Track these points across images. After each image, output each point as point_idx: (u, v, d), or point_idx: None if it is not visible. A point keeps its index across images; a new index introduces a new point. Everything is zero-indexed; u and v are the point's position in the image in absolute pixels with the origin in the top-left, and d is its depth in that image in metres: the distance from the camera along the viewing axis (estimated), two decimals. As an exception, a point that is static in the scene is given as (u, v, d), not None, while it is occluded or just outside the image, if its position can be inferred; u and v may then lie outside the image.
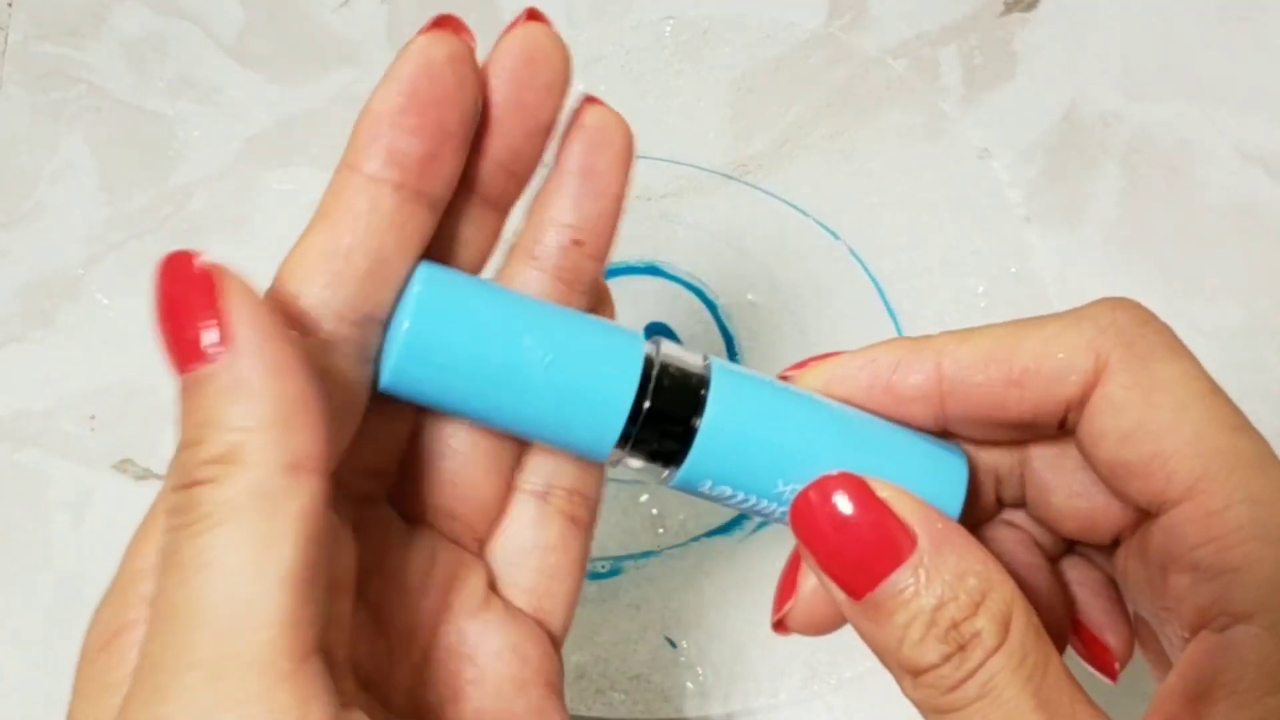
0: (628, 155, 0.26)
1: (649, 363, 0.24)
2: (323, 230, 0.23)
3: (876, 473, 0.23)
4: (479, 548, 0.26)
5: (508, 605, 0.26)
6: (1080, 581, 0.28)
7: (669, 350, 0.25)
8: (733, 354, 0.47)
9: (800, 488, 0.23)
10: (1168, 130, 0.49)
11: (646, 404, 0.23)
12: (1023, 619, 0.22)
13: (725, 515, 0.45)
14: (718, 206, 0.48)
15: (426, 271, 0.23)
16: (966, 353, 0.25)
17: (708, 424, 0.23)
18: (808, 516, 0.23)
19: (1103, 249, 0.47)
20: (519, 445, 0.26)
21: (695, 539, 0.45)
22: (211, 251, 0.46)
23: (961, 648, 0.22)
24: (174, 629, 0.19)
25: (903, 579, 0.22)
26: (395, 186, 0.23)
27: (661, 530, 0.45)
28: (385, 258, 0.23)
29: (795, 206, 0.48)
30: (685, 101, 0.50)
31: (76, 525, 0.45)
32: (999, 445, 0.26)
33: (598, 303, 0.27)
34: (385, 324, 0.23)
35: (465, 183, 0.25)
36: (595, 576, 0.44)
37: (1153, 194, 0.48)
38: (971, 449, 0.27)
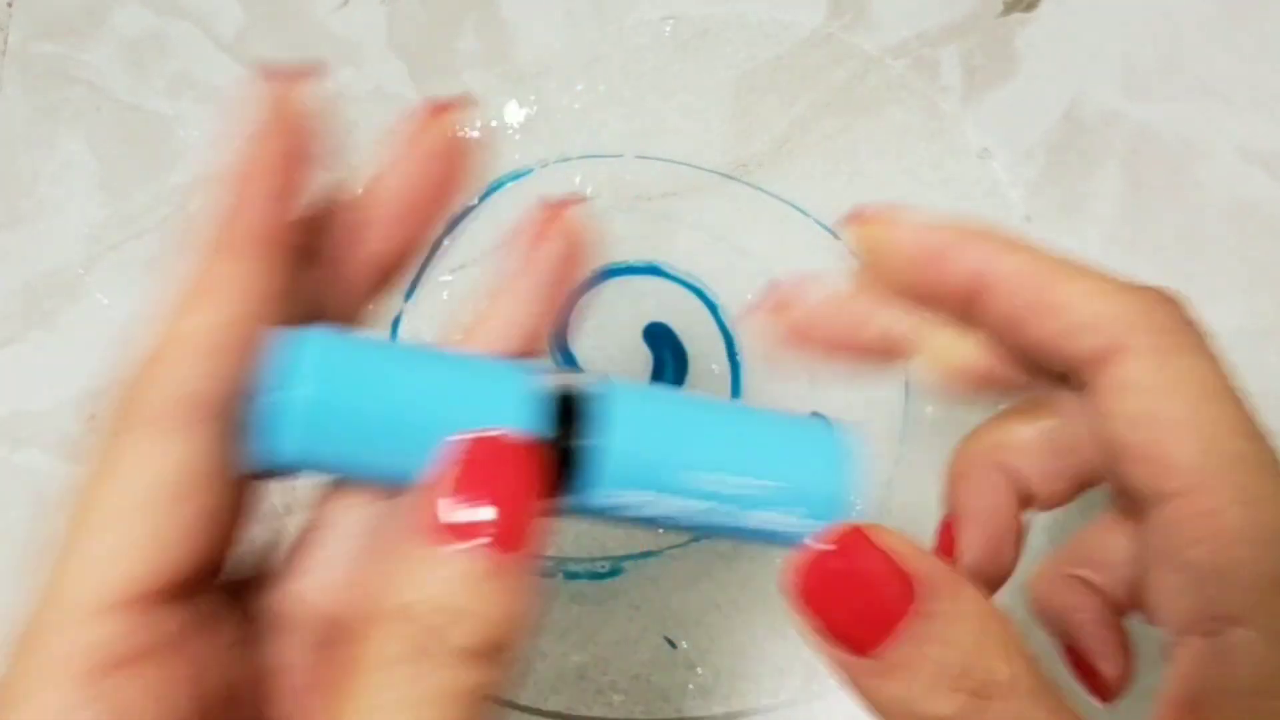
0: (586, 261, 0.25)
1: (545, 395, 0.23)
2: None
3: (774, 464, 0.23)
4: None
5: None
6: (1078, 607, 0.28)
7: (560, 379, 0.24)
8: (732, 354, 0.47)
9: (704, 479, 0.23)
10: (1169, 130, 0.49)
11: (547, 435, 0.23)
12: (1027, 653, 0.22)
13: (725, 515, 0.45)
14: (718, 206, 0.48)
15: (314, 334, 0.21)
16: (1011, 263, 0.25)
17: (606, 438, 0.23)
18: (807, 573, 0.22)
19: (1103, 249, 0.47)
20: None
21: (695, 539, 0.45)
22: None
23: (975, 694, 0.21)
24: None
25: (912, 628, 0.21)
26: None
27: (661, 530, 0.45)
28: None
29: (796, 206, 0.48)
30: (685, 101, 0.50)
31: (76, 525, 0.45)
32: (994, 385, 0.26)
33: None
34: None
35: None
36: (595, 576, 0.44)
37: (1154, 194, 0.48)
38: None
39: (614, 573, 0.44)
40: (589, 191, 0.49)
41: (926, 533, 0.44)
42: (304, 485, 0.24)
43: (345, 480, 0.23)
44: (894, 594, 0.21)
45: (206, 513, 0.20)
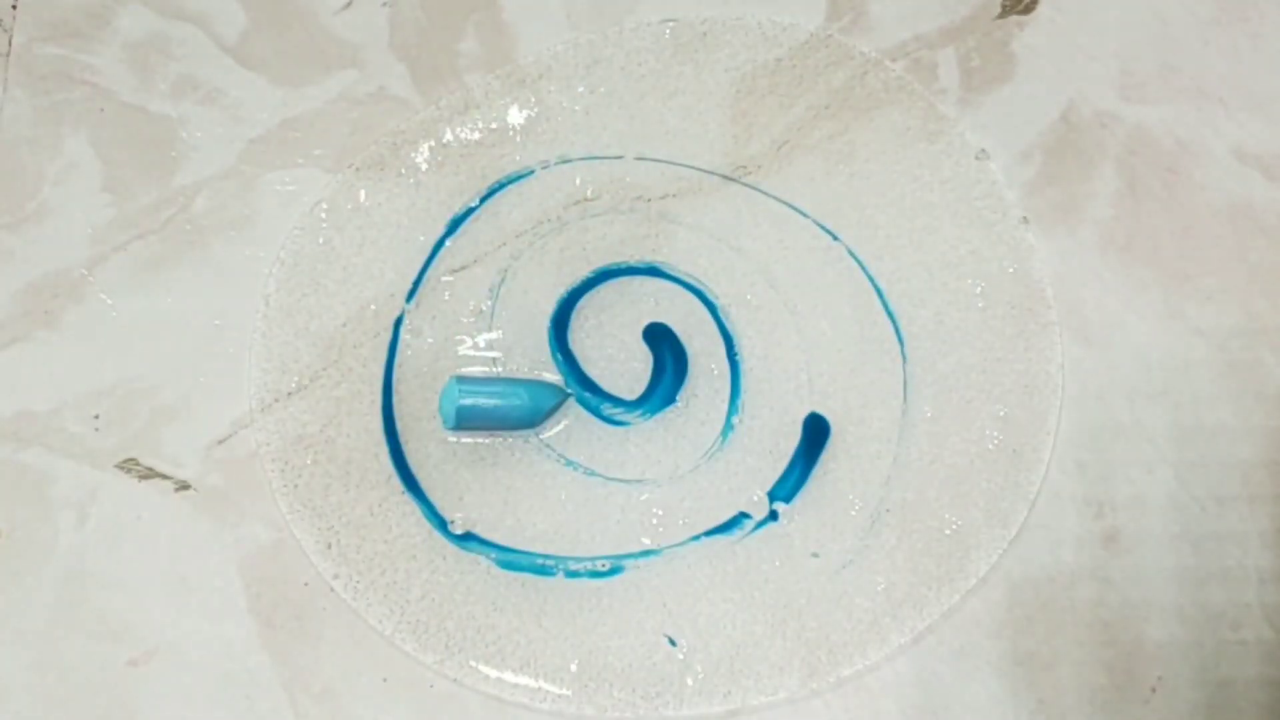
0: None
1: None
2: None
3: None
4: None
5: None
6: None
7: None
8: (732, 354, 0.47)
9: None
10: (1165, 131, 0.49)
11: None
12: None
13: (725, 515, 0.45)
14: (717, 207, 0.49)
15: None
16: None
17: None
18: None
19: (1100, 249, 0.47)
20: None
21: (695, 538, 0.45)
22: (213, 251, 0.47)
23: None
24: None
25: None
26: None
27: (661, 529, 0.45)
28: None
29: (794, 207, 0.49)
30: (685, 103, 0.50)
31: (81, 524, 0.45)
32: None
33: None
34: None
35: None
36: (595, 575, 0.44)
37: (1150, 195, 0.48)
38: None
39: (614, 572, 0.45)
40: (589, 192, 0.49)
41: (926, 532, 0.44)
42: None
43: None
44: None
45: None
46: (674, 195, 0.49)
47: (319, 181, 0.49)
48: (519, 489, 0.46)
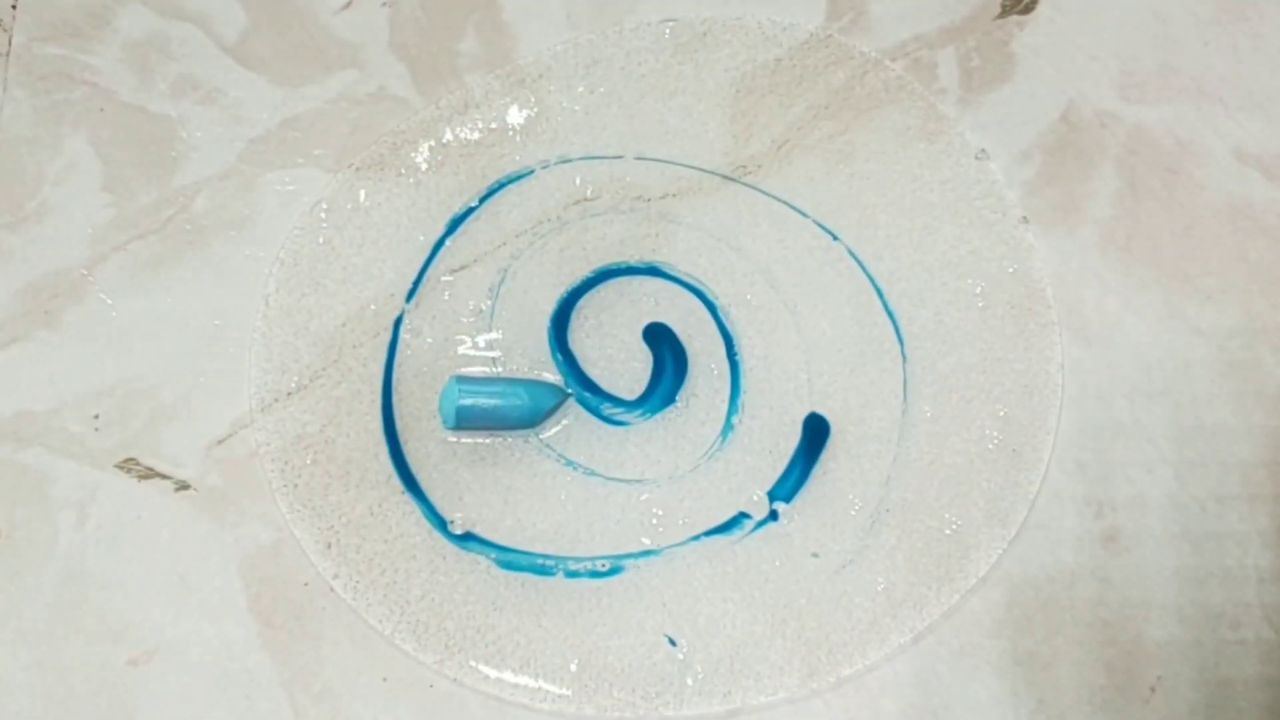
0: None
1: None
2: None
3: None
4: None
5: None
6: None
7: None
8: (732, 354, 0.47)
9: None
10: (1165, 131, 0.49)
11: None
12: None
13: (725, 515, 0.45)
14: (717, 207, 0.49)
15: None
16: None
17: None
18: None
19: (1100, 249, 0.47)
20: None
21: (695, 538, 0.45)
22: (213, 251, 0.47)
23: None
24: None
25: None
26: None
27: (661, 529, 0.45)
28: None
29: (794, 207, 0.49)
30: (685, 103, 0.50)
31: (81, 524, 0.45)
32: None
33: None
34: None
35: None
36: (595, 575, 0.44)
37: (1150, 195, 0.48)
38: None
39: (614, 572, 0.45)
40: (589, 192, 0.49)
41: (926, 532, 0.44)
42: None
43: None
44: None
45: None
46: (674, 195, 0.49)
47: (319, 181, 0.49)
48: (519, 489, 0.46)
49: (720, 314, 0.47)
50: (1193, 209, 0.48)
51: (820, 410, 0.46)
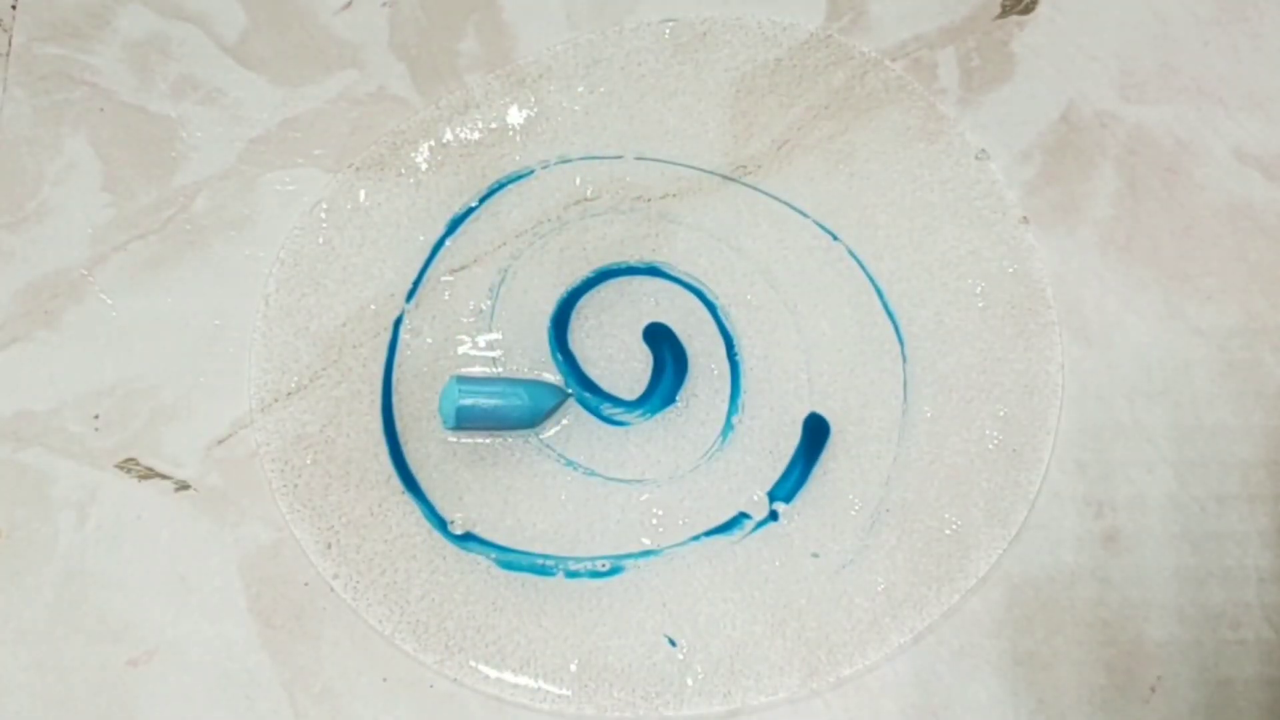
0: None
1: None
2: None
3: None
4: None
5: None
6: None
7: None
8: (732, 354, 0.47)
9: None
10: (1165, 131, 0.49)
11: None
12: None
13: (725, 515, 0.45)
14: (717, 207, 0.49)
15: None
16: None
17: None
18: None
19: (1100, 249, 0.47)
20: None
21: (695, 538, 0.45)
22: (213, 251, 0.46)
23: None
24: None
25: None
26: None
27: (661, 529, 0.45)
28: None
29: (794, 207, 0.49)
30: (685, 103, 0.50)
31: (80, 524, 0.45)
32: None
33: None
34: None
35: None
36: (595, 575, 0.44)
37: (1150, 195, 0.48)
38: None
39: (614, 572, 0.45)
40: (589, 192, 0.49)
41: (926, 532, 0.44)
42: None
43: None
44: None
45: None
46: (674, 195, 0.49)
47: (319, 181, 0.49)
48: (519, 489, 0.46)
49: (720, 314, 0.47)
50: (1193, 209, 0.48)
51: (820, 410, 0.46)
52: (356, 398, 0.47)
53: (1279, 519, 0.44)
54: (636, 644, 0.44)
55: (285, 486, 0.46)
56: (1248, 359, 0.46)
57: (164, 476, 0.46)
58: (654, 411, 0.46)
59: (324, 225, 0.49)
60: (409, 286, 0.48)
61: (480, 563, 0.45)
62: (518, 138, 0.50)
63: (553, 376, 0.47)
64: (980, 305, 0.47)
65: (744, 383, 0.47)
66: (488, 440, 0.46)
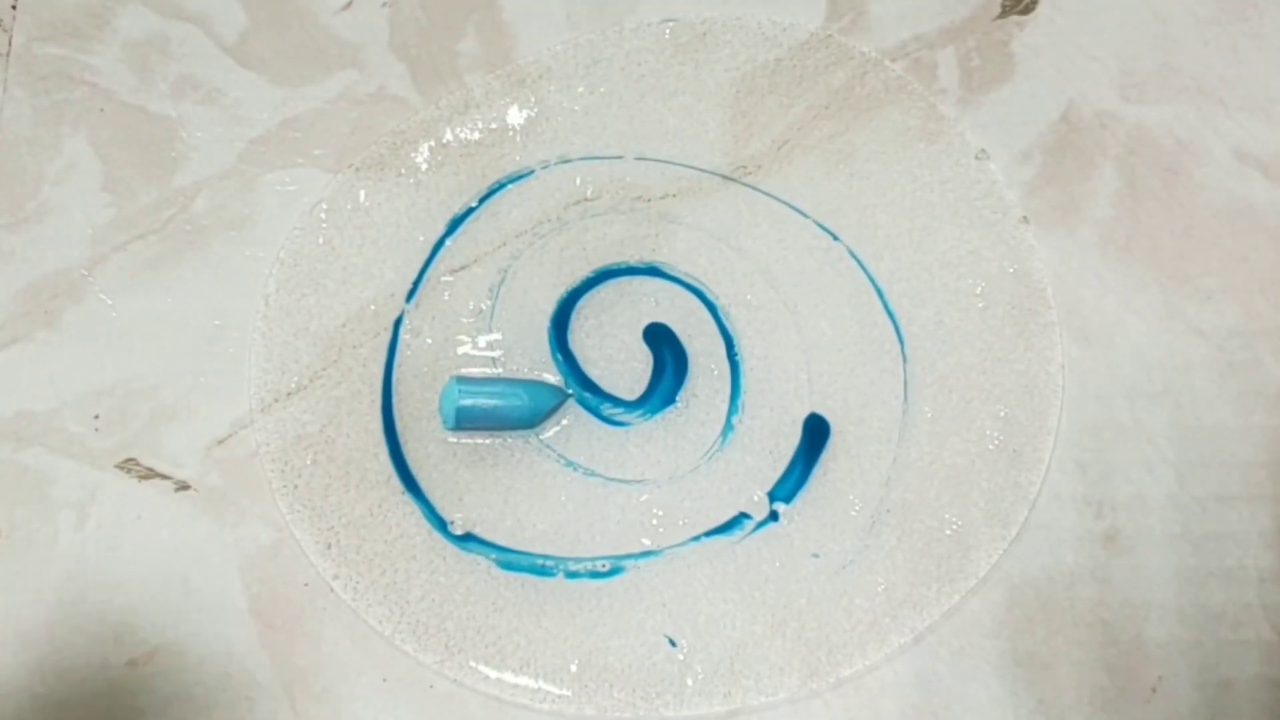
0: None
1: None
2: None
3: None
4: None
5: None
6: None
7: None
8: (732, 354, 0.47)
9: None
10: (1165, 132, 0.49)
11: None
12: None
13: (725, 515, 0.45)
14: (717, 207, 0.49)
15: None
16: None
17: None
18: None
19: (1100, 250, 0.47)
20: None
21: (695, 539, 0.45)
22: (213, 251, 0.46)
23: None
24: None
25: None
26: None
27: (661, 530, 0.45)
28: None
29: (794, 207, 0.49)
30: (685, 103, 0.50)
31: (81, 524, 0.45)
32: None
33: None
34: None
35: None
36: (595, 576, 0.44)
37: (1150, 195, 0.48)
38: None
39: (614, 572, 0.45)
40: (589, 192, 0.49)
41: (926, 533, 0.44)
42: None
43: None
44: None
45: None
46: (674, 195, 0.49)
47: (319, 181, 0.49)
48: (519, 489, 0.46)
49: (720, 314, 0.47)
50: (1193, 209, 0.48)
51: (820, 410, 0.46)
52: (356, 398, 0.47)
53: (1279, 519, 0.44)
54: (636, 644, 0.44)
55: (285, 487, 0.45)
56: (1248, 359, 0.46)
57: (164, 477, 0.46)
58: (654, 412, 0.46)
59: (324, 225, 0.49)
60: (409, 287, 0.48)
61: (480, 563, 0.45)
62: (518, 138, 0.50)
63: (553, 377, 0.47)
64: (980, 305, 0.47)
65: (744, 383, 0.47)
66: (488, 440, 0.46)
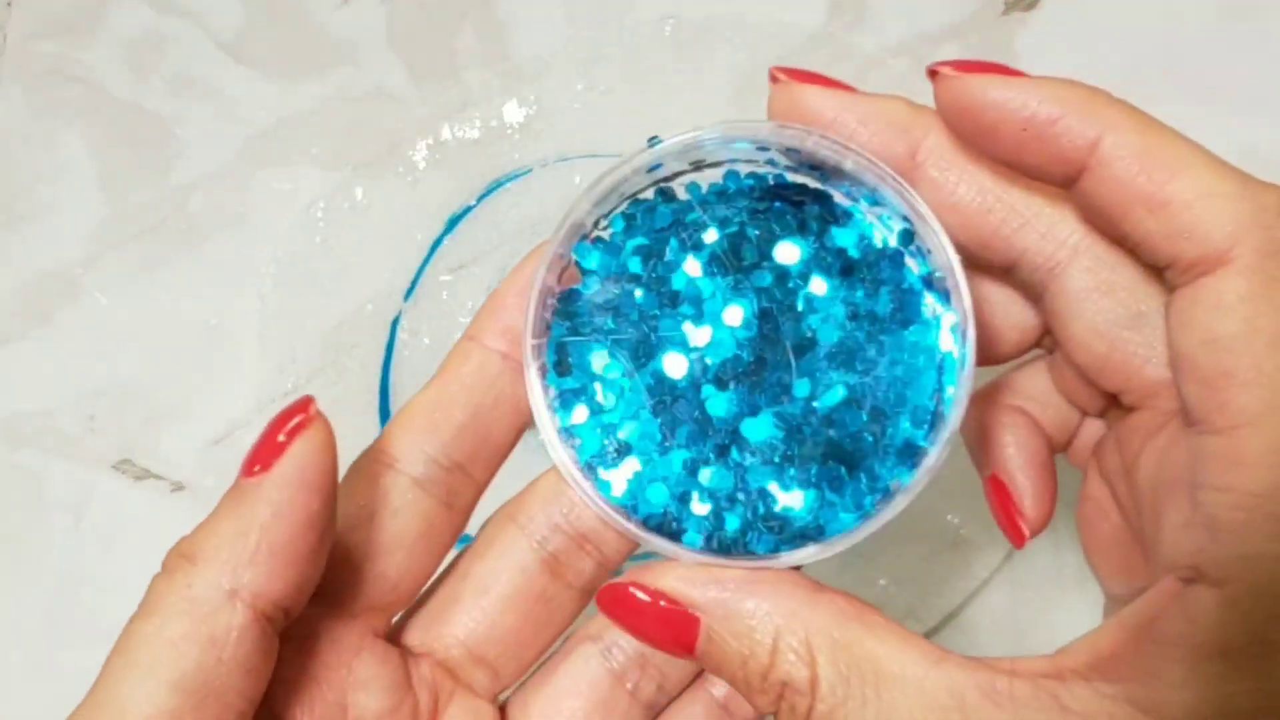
0: None
1: None
2: (433, 387, 0.26)
3: None
4: (495, 694, 0.27)
5: None
6: (1019, 444, 0.28)
7: None
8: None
9: None
10: (1169, 130, 0.49)
11: None
12: (828, 651, 0.22)
13: (725, 516, 0.45)
14: (718, 206, 0.48)
15: None
16: (1124, 145, 0.24)
17: None
18: (611, 610, 0.25)
19: (1103, 249, 0.47)
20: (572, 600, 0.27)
21: (695, 539, 0.45)
22: (209, 250, 0.46)
23: (781, 697, 0.23)
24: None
25: (704, 647, 0.24)
26: (503, 355, 0.26)
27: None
28: (482, 413, 0.26)
29: (795, 206, 0.48)
30: (685, 102, 0.50)
31: (75, 525, 0.45)
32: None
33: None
34: (473, 474, 0.28)
35: None
36: (595, 577, 0.44)
37: (1154, 194, 0.48)
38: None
39: (614, 573, 0.44)
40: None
41: (926, 532, 0.44)
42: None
43: None
44: (681, 622, 0.24)
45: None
46: (674, 194, 0.49)
47: (316, 180, 0.49)
48: (516, 488, 0.45)
49: (720, 314, 0.47)
50: (1197, 208, 0.48)
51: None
52: (353, 398, 0.46)
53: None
54: (636, 646, 0.43)
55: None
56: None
57: (160, 477, 0.46)
58: (654, 412, 0.46)
59: (321, 224, 0.48)
60: (407, 285, 0.48)
61: (478, 565, 0.44)
62: (516, 136, 0.49)
63: (552, 377, 0.47)
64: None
65: (744, 383, 0.46)
66: (486, 441, 0.46)
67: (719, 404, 0.25)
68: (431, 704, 0.26)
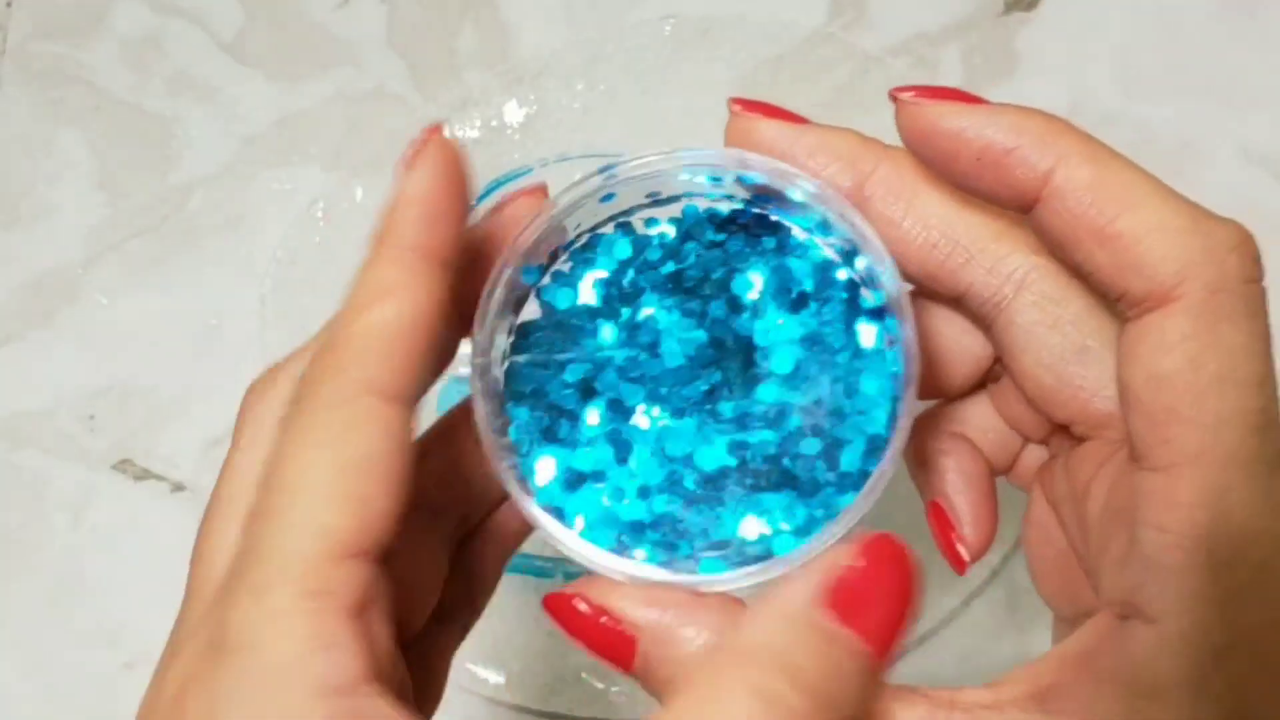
0: None
1: None
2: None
3: None
4: None
5: None
6: (959, 469, 0.28)
7: None
8: (733, 354, 0.47)
9: None
10: (1170, 131, 0.49)
11: None
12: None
13: (725, 516, 0.45)
14: (718, 206, 0.48)
15: None
16: (1079, 176, 0.24)
17: None
18: (556, 615, 0.25)
19: (1104, 249, 0.47)
20: None
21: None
22: (209, 250, 0.45)
23: None
24: (256, 515, 0.21)
25: (640, 665, 0.24)
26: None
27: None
28: None
29: (796, 206, 0.48)
30: (685, 100, 0.50)
31: (76, 526, 0.45)
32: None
33: None
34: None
35: None
36: (595, 577, 0.44)
37: (1154, 194, 0.48)
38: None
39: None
40: (589, 191, 0.49)
41: (927, 533, 0.44)
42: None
43: None
44: (619, 640, 0.24)
45: (398, 483, 0.22)
46: (674, 194, 0.49)
47: (316, 180, 0.49)
48: (518, 490, 0.45)
49: (721, 314, 0.47)
50: (1198, 208, 0.48)
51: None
52: (354, 398, 0.46)
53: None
54: (636, 647, 0.43)
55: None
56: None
57: (160, 477, 0.46)
58: (654, 412, 0.46)
59: (321, 224, 0.48)
60: (407, 286, 0.48)
61: (479, 565, 0.44)
62: (516, 135, 0.49)
63: (552, 377, 0.47)
64: (983, 305, 0.47)
65: (745, 383, 0.46)
66: (486, 441, 0.46)
67: (673, 433, 0.26)
68: None
